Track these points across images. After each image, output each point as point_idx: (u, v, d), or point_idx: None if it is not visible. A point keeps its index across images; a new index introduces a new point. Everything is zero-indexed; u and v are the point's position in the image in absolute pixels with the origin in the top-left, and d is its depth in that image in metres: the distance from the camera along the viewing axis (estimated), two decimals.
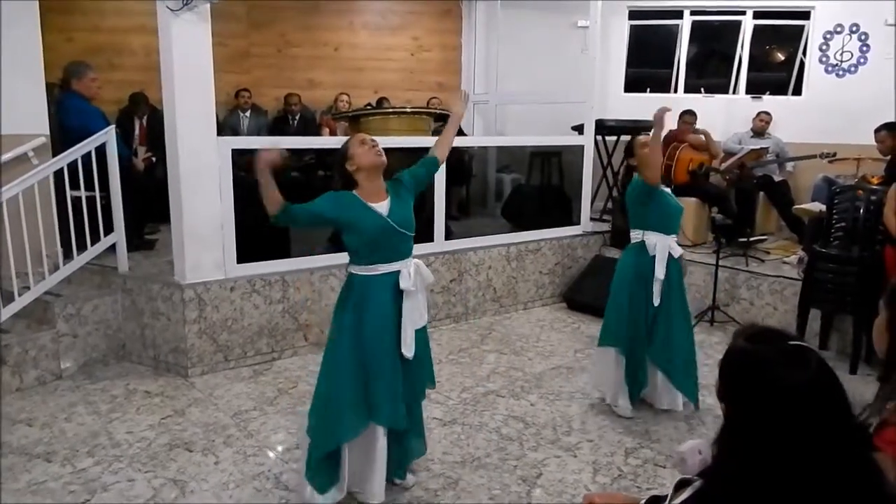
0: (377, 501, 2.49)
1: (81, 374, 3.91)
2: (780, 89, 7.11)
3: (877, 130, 5.17)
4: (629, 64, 7.55)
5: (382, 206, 2.45)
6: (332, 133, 6.65)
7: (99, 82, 4.69)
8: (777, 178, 6.18)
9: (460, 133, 6.46)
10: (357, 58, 7.66)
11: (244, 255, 4.06)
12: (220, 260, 3.99)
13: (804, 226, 5.43)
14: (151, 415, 3.42)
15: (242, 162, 4.16)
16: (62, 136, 4.33)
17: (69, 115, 4.43)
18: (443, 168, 4.76)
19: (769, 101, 6.85)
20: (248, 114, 6.86)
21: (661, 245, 3.33)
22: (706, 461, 1.45)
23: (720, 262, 4.87)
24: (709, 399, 3.69)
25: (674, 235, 3.39)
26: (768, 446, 1.05)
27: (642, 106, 6.90)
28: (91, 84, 4.58)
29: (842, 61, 6.66)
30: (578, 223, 5.85)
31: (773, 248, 5.67)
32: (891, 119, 5.29)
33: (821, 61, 6.76)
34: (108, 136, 4.05)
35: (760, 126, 6.36)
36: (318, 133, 6.81)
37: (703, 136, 6.03)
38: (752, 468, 1.05)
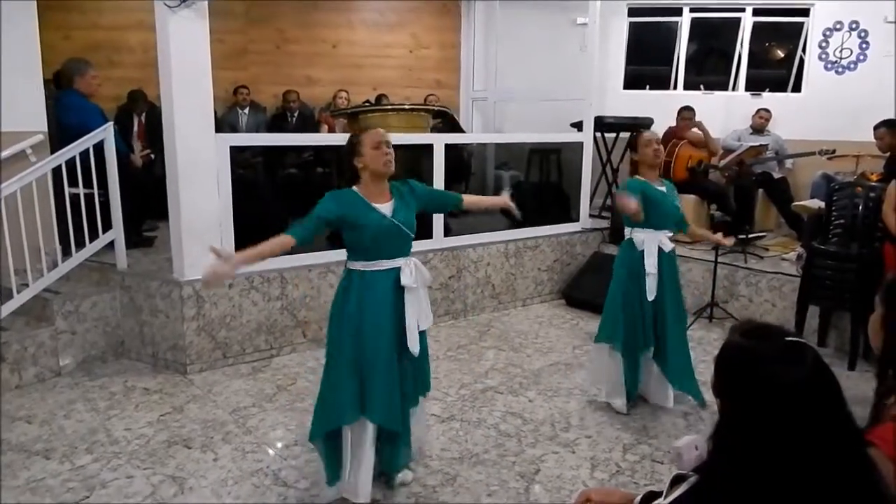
0: (362, 501, 2.48)
1: (80, 372, 3.91)
2: (779, 86, 7.10)
3: (876, 127, 5.16)
4: (628, 61, 7.54)
5: (386, 207, 2.45)
6: (331, 130, 6.65)
7: (99, 79, 4.69)
8: (776, 175, 6.17)
9: (459, 130, 6.48)
10: (356, 55, 7.65)
11: None
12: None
13: (803, 223, 5.43)
14: (150, 412, 3.42)
15: (241, 159, 4.17)
16: (61, 133, 4.33)
17: (68, 113, 4.42)
18: (441, 165, 4.84)
19: (768, 99, 6.85)
20: (246, 111, 6.86)
21: (650, 240, 3.33)
22: (702, 457, 1.45)
23: (719, 259, 4.87)
24: (707, 395, 3.68)
25: (666, 231, 3.38)
26: (763, 442, 1.05)
27: (642, 103, 6.95)
28: (91, 81, 4.58)
29: (841, 58, 6.66)
30: (577, 220, 5.85)
31: (772, 244, 5.67)
32: (890, 116, 5.29)
33: (820, 58, 6.75)
34: (106, 133, 4.04)
35: (760, 123, 6.35)
36: (316, 130, 6.80)
37: (701, 133, 6.03)
38: (747, 464, 1.06)
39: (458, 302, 5.03)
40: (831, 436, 1.05)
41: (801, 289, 4.39)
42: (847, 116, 6.18)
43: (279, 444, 3.10)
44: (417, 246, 4.79)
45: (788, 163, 6.42)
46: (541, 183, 6.40)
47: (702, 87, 7.29)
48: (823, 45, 6.73)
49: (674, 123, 6.23)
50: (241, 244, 4.01)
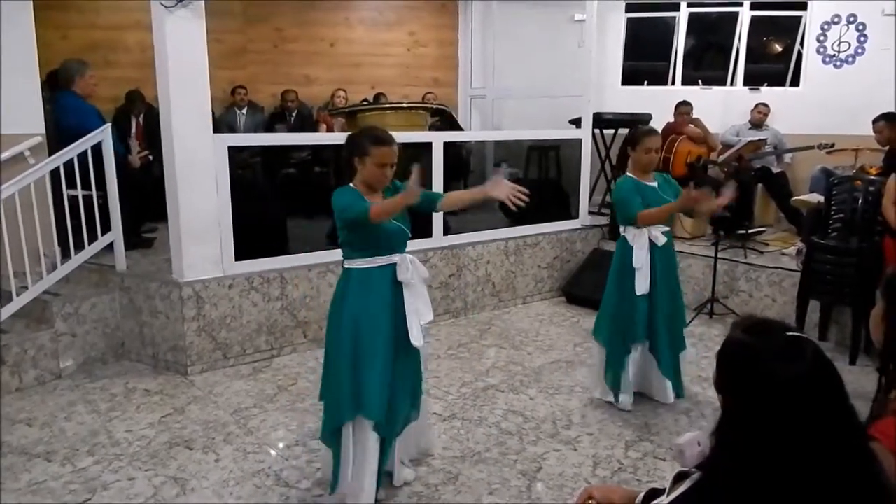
0: (366, 502, 2.48)
1: (81, 374, 3.91)
2: (777, 81, 7.09)
3: (875, 121, 5.16)
4: (626, 57, 7.52)
5: None
6: (330, 129, 6.64)
7: (96, 80, 4.68)
8: (775, 170, 6.17)
9: (457, 128, 6.47)
10: (353, 53, 7.64)
11: (242, 253, 4.05)
12: (218, 257, 3.98)
13: (802, 217, 5.43)
14: (151, 413, 3.42)
15: (239, 159, 4.16)
16: (59, 135, 4.31)
17: (65, 114, 4.41)
18: (440, 163, 4.83)
19: (767, 93, 6.83)
20: (244, 111, 6.84)
21: (639, 235, 3.33)
22: (705, 453, 1.44)
23: (719, 255, 4.87)
24: (709, 391, 3.69)
25: (660, 226, 3.37)
26: (766, 438, 1.05)
27: (640, 99, 6.93)
28: (90, 82, 4.57)
29: (839, 52, 6.64)
30: (577, 217, 5.85)
31: (772, 239, 5.67)
32: (889, 109, 5.28)
33: (818, 52, 6.74)
34: (104, 134, 4.03)
35: (758, 118, 6.34)
36: (314, 129, 6.79)
37: (699, 129, 6.02)
38: (750, 460, 1.05)
39: (459, 300, 5.03)
40: (833, 431, 1.05)
41: (801, 283, 4.39)
42: (845, 110, 6.17)
43: (280, 445, 3.10)
44: (417, 244, 4.83)
45: (787, 157, 6.42)
46: (540, 180, 6.40)
47: (700, 82, 7.27)
48: (821, 38, 6.71)
49: (672, 119, 6.23)
50: (240, 244, 4.04)
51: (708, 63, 7.55)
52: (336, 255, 4.20)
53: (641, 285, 3.31)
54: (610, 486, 1.97)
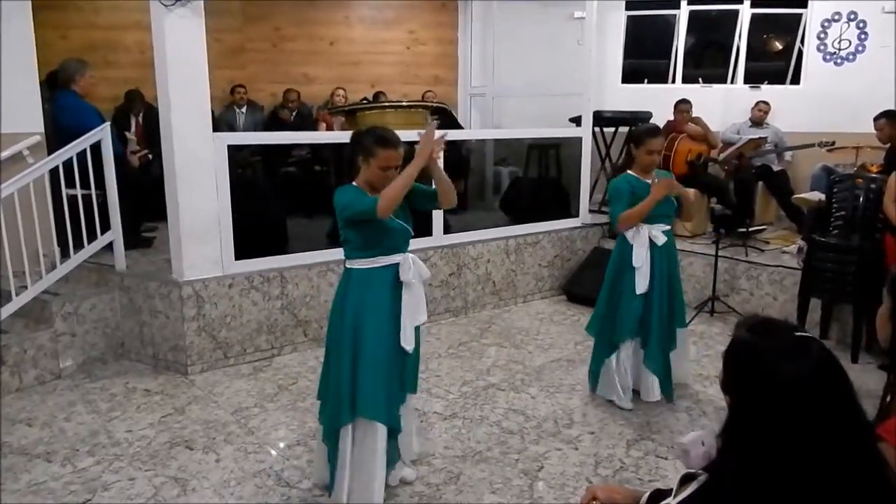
0: (376, 502, 2.47)
1: (80, 373, 3.90)
2: (778, 78, 7.08)
3: (876, 119, 5.15)
4: (626, 55, 7.51)
5: None
6: (329, 128, 6.62)
7: (95, 80, 4.67)
8: (776, 168, 6.16)
9: (457, 126, 6.46)
10: (353, 52, 7.63)
11: (242, 252, 4.04)
12: (218, 257, 3.97)
13: (803, 215, 5.43)
14: (151, 413, 3.41)
15: (239, 158, 4.15)
16: (58, 134, 4.31)
17: (64, 114, 4.40)
18: (441, 162, 4.81)
19: (767, 91, 6.82)
20: (243, 110, 6.83)
21: (640, 234, 3.32)
22: (709, 452, 1.43)
23: (720, 253, 4.86)
24: (710, 390, 3.69)
25: (660, 224, 3.36)
26: (773, 439, 1.04)
27: (640, 97, 6.92)
28: (89, 82, 4.56)
29: (840, 49, 6.63)
30: (577, 215, 5.84)
31: (773, 237, 5.66)
32: (889, 107, 5.28)
33: (819, 50, 6.73)
34: (103, 133, 4.02)
35: (759, 116, 6.34)
36: (314, 128, 6.78)
37: (700, 127, 6.01)
38: (757, 461, 1.04)
39: (459, 299, 5.02)
40: (841, 431, 1.04)
41: (802, 282, 4.39)
42: (846, 108, 6.16)
43: (281, 445, 3.09)
44: (418, 243, 4.79)
45: (788, 155, 6.41)
46: (540, 179, 6.38)
47: (700, 80, 7.26)
48: (822, 36, 6.70)
49: (672, 117, 6.22)
50: (240, 243, 4.03)
51: (708, 61, 7.54)
52: (336, 254, 4.23)
53: (641, 284, 3.30)
54: (613, 486, 1.96)
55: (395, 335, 2.45)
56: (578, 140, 5.80)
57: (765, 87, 6.95)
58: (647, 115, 6.37)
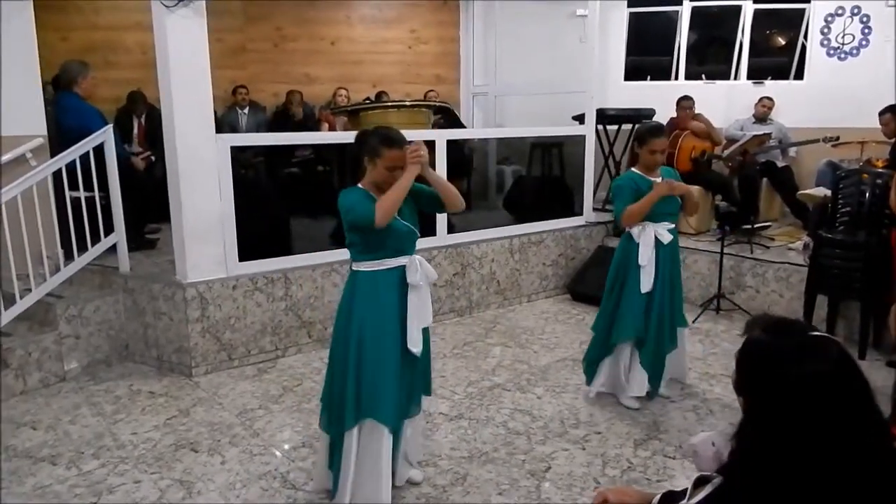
0: (384, 502, 2.45)
1: (85, 376, 3.89)
2: (781, 74, 7.05)
3: (881, 113, 5.12)
4: (629, 52, 7.49)
5: None
6: (332, 128, 6.61)
7: (96, 80, 4.66)
8: (780, 164, 6.13)
9: (459, 125, 6.44)
10: (354, 51, 7.62)
11: (246, 253, 4.03)
12: (222, 258, 3.96)
13: (808, 211, 5.40)
14: (156, 415, 3.40)
15: (242, 159, 4.14)
16: (60, 136, 4.30)
17: (67, 115, 4.39)
18: (443, 161, 4.80)
19: (771, 87, 6.80)
20: (245, 111, 6.82)
21: (646, 232, 3.30)
22: (720, 453, 1.42)
23: (725, 250, 4.83)
24: (717, 388, 3.67)
25: (665, 223, 3.34)
26: (789, 440, 1.02)
27: (643, 94, 6.90)
28: (91, 83, 4.55)
29: (843, 44, 6.60)
30: (581, 214, 5.81)
31: (778, 234, 5.63)
32: (894, 101, 5.24)
33: (822, 45, 6.70)
34: (105, 135, 4.01)
35: (762, 112, 6.31)
36: (317, 128, 6.77)
37: (704, 123, 5.98)
38: (773, 463, 1.02)
39: (463, 299, 5.00)
40: (858, 430, 1.02)
41: (808, 278, 4.36)
42: (850, 103, 6.13)
43: (286, 446, 3.08)
44: (421, 243, 4.75)
45: (792, 151, 6.38)
46: (543, 177, 6.36)
47: (703, 76, 7.24)
48: (825, 31, 6.67)
49: (675, 114, 6.19)
50: (244, 244, 4.02)
51: (711, 57, 7.51)
52: (340, 254, 4.22)
53: (646, 283, 3.27)
54: (624, 488, 1.93)
55: (402, 337, 2.43)
56: (582, 138, 5.77)
57: (768, 82, 6.93)
58: (650, 112, 6.34)
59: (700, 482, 1.16)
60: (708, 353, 4.20)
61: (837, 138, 5.60)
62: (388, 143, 2.35)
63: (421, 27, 7.85)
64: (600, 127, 6.14)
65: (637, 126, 3.56)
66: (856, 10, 6.52)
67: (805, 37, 6.87)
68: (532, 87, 6.84)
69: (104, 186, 4.05)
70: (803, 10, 6.84)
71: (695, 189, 5.60)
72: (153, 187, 4.75)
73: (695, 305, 4.91)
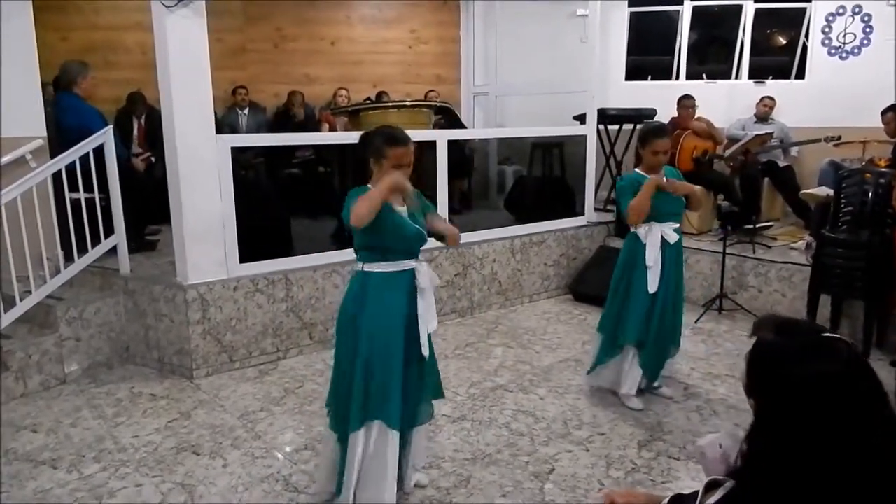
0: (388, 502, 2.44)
1: (86, 378, 3.87)
2: (782, 73, 7.04)
3: (884, 112, 5.11)
4: (630, 52, 7.47)
5: (402, 210, 2.39)
6: (333, 128, 6.60)
7: (96, 81, 4.65)
8: (782, 164, 6.12)
9: (460, 126, 6.42)
10: (354, 52, 7.60)
11: (247, 254, 4.02)
12: (223, 259, 3.94)
13: (810, 211, 5.38)
14: (157, 418, 3.38)
15: (242, 160, 4.13)
16: (60, 136, 4.28)
17: (66, 115, 4.38)
18: (445, 162, 4.79)
19: (772, 86, 6.79)
20: (245, 111, 6.81)
21: (652, 233, 3.29)
22: (727, 455, 1.40)
23: (727, 250, 4.82)
24: (720, 388, 3.66)
25: (671, 223, 3.33)
26: (801, 443, 1.01)
27: (644, 94, 6.88)
28: (91, 83, 4.54)
29: (845, 43, 6.59)
30: (583, 214, 5.80)
31: (780, 234, 5.62)
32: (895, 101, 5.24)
33: (823, 44, 6.69)
34: (105, 136, 4.00)
35: (764, 111, 6.30)
36: (317, 129, 6.76)
37: (705, 123, 5.97)
38: (786, 466, 1.01)
39: (465, 299, 4.99)
40: (872, 433, 1.00)
41: (811, 278, 4.34)
42: (852, 102, 6.12)
43: (288, 449, 3.06)
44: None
45: (794, 150, 6.37)
46: (544, 177, 6.35)
47: (704, 76, 7.23)
48: (826, 30, 6.66)
49: (676, 114, 6.17)
50: (245, 246, 4.00)
51: (712, 57, 7.49)
52: (341, 255, 4.20)
53: (653, 283, 3.26)
54: (631, 490, 1.92)
55: (410, 340, 2.41)
56: (583, 138, 5.76)
57: (769, 82, 6.92)
58: (651, 112, 6.33)
59: (711, 486, 1.15)
60: (711, 353, 4.18)
61: (839, 138, 5.58)
62: (392, 142, 2.33)
63: (421, 27, 7.84)
64: (601, 127, 6.13)
65: (640, 126, 3.54)
66: (857, 10, 6.51)
67: (806, 36, 6.85)
68: (533, 87, 6.82)
69: (104, 188, 4.03)
70: (804, 10, 6.83)
71: (697, 188, 5.61)
72: (153, 188, 4.74)
73: (697, 305, 4.90)
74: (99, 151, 3.98)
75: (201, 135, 3.79)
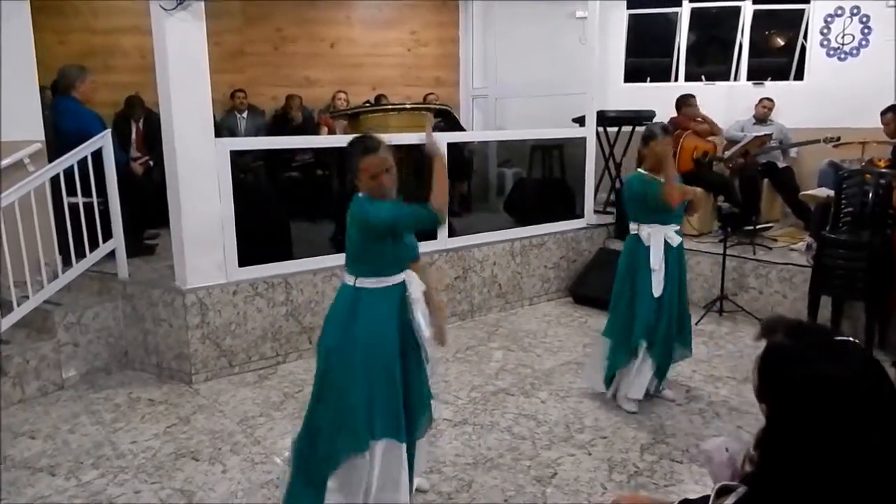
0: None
1: (84, 384, 3.85)
2: (781, 75, 7.04)
3: (883, 113, 5.11)
4: (629, 53, 7.47)
5: None
6: (332, 131, 6.58)
7: (95, 84, 4.63)
8: (781, 165, 6.11)
9: (459, 128, 6.41)
10: (354, 54, 7.58)
11: (246, 258, 4.00)
12: (222, 263, 3.92)
13: (810, 212, 5.37)
14: (156, 423, 3.36)
15: (241, 164, 4.11)
16: (58, 140, 4.26)
17: (65, 119, 4.36)
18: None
19: (771, 87, 6.78)
20: (244, 115, 6.78)
21: (655, 235, 3.27)
22: (733, 459, 1.38)
23: (727, 252, 4.81)
24: (722, 390, 3.65)
25: (673, 225, 3.32)
26: (817, 448, 0.99)
27: (643, 96, 6.87)
28: (89, 87, 4.52)
29: (843, 44, 6.59)
30: (582, 216, 5.79)
31: (780, 235, 5.61)
32: (894, 102, 5.23)
33: (822, 45, 6.69)
34: (104, 140, 3.98)
35: (763, 113, 6.29)
36: (316, 132, 6.74)
37: (707, 124, 5.95)
38: (799, 472, 0.99)
39: (465, 302, 4.97)
40: (889, 437, 0.99)
41: (812, 279, 4.33)
42: (850, 103, 6.12)
43: (288, 454, 3.03)
44: (422, 247, 4.72)
45: (793, 152, 6.36)
46: (544, 179, 6.33)
47: (703, 77, 7.22)
48: (825, 31, 6.66)
49: (675, 115, 6.15)
50: (244, 249, 3.98)
51: (711, 58, 7.49)
52: (340, 259, 4.12)
53: (657, 286, 3.24)
54: (638, 495, 1.90)
55: (406, 350, 2.34)
56: (582, 140, 5.75)
57: (768, 83, 6.91)
58: (650, 115, 6.32)
59: (723, 491, 1.13)
60: (713, 355, 4.17)
61: (838, 139, 5.58)
62: (363, 152, 2.24)
63: (420, 28, 7.82)
64: (600, 129, 6.12)
65: (641, 129, 3.52)
66: (855, 11, 6.52)
67: (805, 37, 6.86)
68: (532, 89, 6.81)
69: (102, 192, 4.01)
70: (803, 11, 6.83)
71: (699, 190, 5.60)
72: (152, 192, 4.72)
73: (698, 307, 4.88)
74: (97, 155, 3.97)
75: (200, 138, 3.77)
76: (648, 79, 7.46)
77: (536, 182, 6.36)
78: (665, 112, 6.15)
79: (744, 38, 7.06)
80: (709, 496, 1.17)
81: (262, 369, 4.03)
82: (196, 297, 3.80)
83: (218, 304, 3.87)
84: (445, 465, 2.89)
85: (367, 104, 6.82)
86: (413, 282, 2.36)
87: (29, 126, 4.11)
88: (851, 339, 1.05)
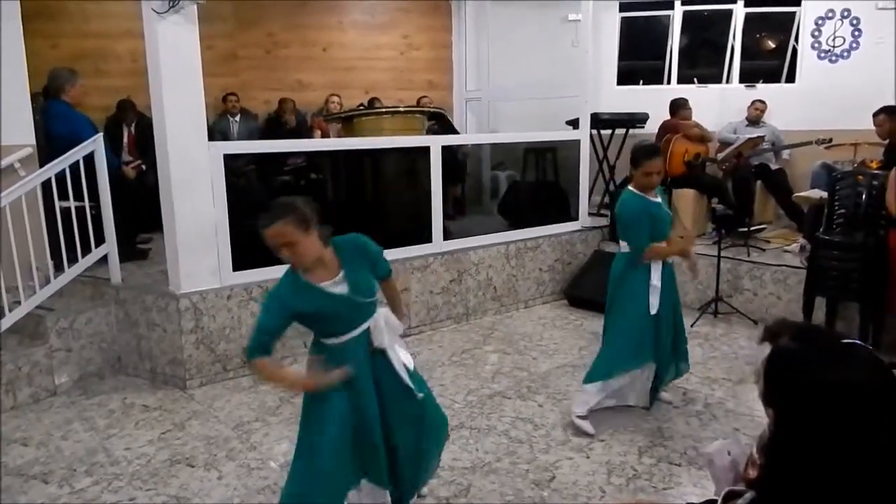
0: None
1: (77, 390, 3.81)
2: (773, 77, 7.08)
3: (875, 114, 5.13)
4: (621, 56, 7.49)
5: (337, 282, 2.14)
6: (325, 135, 6.56)
7: (86, 88, 4.60)
8: (773, 167, 6.14)
9: (453, 131, 6.40)
10: (346, 58, 7.57)
11: (240, 263, 3.97)
12: (216, 268, 3.90)
13: (803, 214, 5.40)
14: (150, 429, 3.33)
15: (234, 167, 4.09)
16: (50, 144, 4.23)
17: (56, 123, 4.33)
18: (439, 168, 4.77)
19: (763, 90, 6.82)
20: (237, 118, 6.76)
21: None
22: (736, 462, 1.38)
23: (722, 253, 4.82)
24: (718, 392, 3.65)
25: (664, 242, 3.28)
26: (824, 452, 0.98)
27: (636, 98, 6.90)
28: (80, 91, 4.49)
29: (834, 47, 6.64)
30: (577, 218, 5.79)
31: (773, 236, 5.63)
32: (884, 103, 5.26)
33: (813, 47, 6.73)
34: (96, 144, 3.95)
35: (755, 115, 6.33)
36: (309, 135, 6.71)
37: (697, 127, 5.98)
38: (808, 477, 0.98)
39: (460, 306, 4.96)
40: (894, 440, 0.98)
41: (806, 280, 4.34)
42: (842, 104, 6.16)
43: (284, 460, 3.01)
44: (418, 250, 4.76)
45: (785, 153, 6.40)
46: (538, 182, 6.33)
47: (695, 80, 7.25)
48: (816, 33, 6.71)
49: (668, 118, 6.17)
50: (238, 254, 3.95)
51: (703, 61, 7.53)
52: None
53: (655, 303, 3.18)
54: (643, 500, 1.88)
55: (377, 396, 2.24)
56: (576, 143, 5.76)
57: (760, 85, 6.95)
58: (643, 117, 6.35)
59: (730, 497, 1.12)
60: (708, 356, 4.17)
61: (830, 140, 5.61)
62: (261, 227, 2.11)
63: (413, 32, 7.81)
64: (594, 131, 6.13)
65: (632, 148, 3.41)
66: (846, 13, 6.56)
67: (796, 40, 6.90)
68: (525, 91, 6.81)
69: (94, 196, 3.98)
70: (794, 14, 6.87)
71: (689, 192, 5.58)
72: (144, 196, 4.69)
73: (693, 309, 4.89)
74: (89, 159, 3.93)
75: (193, 142, 3.75)
76: (641, 81, 7.48)
77: (530, 185, 6.36)
78: (658, 115, 6.18)
79: (736, 40, 7.09)
80: (713, 500, 1.16)
81: None
82: (190, 301, 3.77)
83: (212, 309, 3.84)
84: (443, 470, 2.87)
85: (361, 107, 6.81)
86: (377, 330, 2.20)
87: (19, 130, 4.08)
88: (858, 341, 1.05)
